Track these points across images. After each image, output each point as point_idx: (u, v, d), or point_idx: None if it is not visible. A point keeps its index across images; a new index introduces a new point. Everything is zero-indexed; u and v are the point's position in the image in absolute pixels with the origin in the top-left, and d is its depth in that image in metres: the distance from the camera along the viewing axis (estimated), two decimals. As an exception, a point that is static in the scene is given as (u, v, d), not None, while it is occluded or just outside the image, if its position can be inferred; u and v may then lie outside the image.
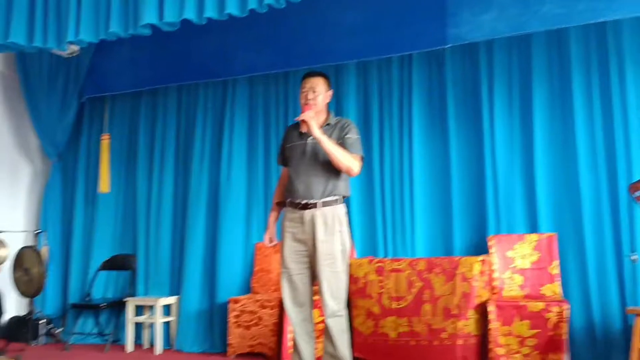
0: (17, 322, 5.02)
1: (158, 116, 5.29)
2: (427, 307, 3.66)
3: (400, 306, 3.73)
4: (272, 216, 3.38)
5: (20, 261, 4.80)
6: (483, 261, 3.69)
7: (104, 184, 5.28)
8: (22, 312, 5.19)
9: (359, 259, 4.07)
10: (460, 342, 3.57)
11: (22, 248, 4.90)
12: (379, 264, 3.84)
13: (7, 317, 4.73)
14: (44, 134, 5.47)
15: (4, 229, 4.89)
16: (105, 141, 5.35)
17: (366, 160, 4.37)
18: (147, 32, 2.94)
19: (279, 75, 4.86)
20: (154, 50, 5.05)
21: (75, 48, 4.99)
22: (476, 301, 3.60)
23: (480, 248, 4.09)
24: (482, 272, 3.66)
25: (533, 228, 4.05)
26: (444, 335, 3.60)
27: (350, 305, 3.80)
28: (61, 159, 5.56)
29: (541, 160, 4.08)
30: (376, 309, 3.78)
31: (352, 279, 3.79)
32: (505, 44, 4.25)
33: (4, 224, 5.02)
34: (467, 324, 3.57)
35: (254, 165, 4.90)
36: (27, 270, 4.76)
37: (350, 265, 3.62)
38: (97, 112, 5.57)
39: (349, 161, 3.08)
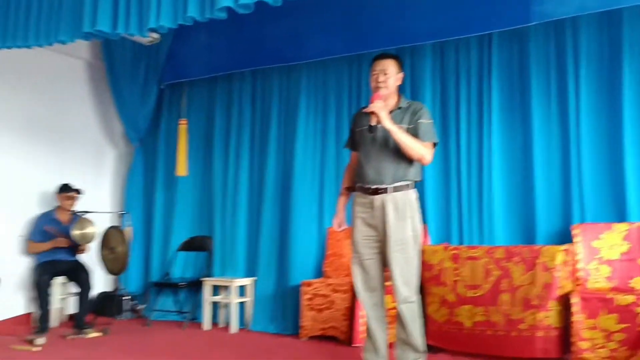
0: (104, 298, 5.33)
1: (233, 101, 5.39)
2: (504, 296, 3.54)
3: (477, 295, 3.63)
4: (341, 201, 3.37)
5: (106, 240, 5.07)
6: (566, 250, 3.51)
7: (182, 168, 5.46)
8: (109, 288, 5.50)
9: (433, 245, 3.98)
10: (540, 334, 3.42)
11: (108, 228, 5.17)
12: (455, 251, 3.74)
13: (95, 292, 5.01)
14: (127, 119, 5.72)
15: (92, 210, 5.18)
16: (183, 126, 5.52)
17: (442, 144, 4.28)
18: (223, 15, 2.98)
19: (353, 58, 4.81)
20: (229, 36, 5.14)
21: (155, 35, 5.18)
22: (558, 292, 3.43)
23: (563, 237, 3.88)
24: (565, 262, 3.48)
25: (620, 217, 3.80)
26: (522, 326, 3.46)
27: (423, 292, 3.74)
28: (143, 143, 5.80)
29: (630, 145, 3.80)
30: (451, 297, 3.70)
31: (426, 266, 3.72)
32: (594, 20, 3.98)
33: (91, 205, 5.31)
34: (548, 316, 3.41)
35: (326, 149, 4.89)
36: (112, 249, 5.01)
37: (423, 252, 3.56)
38: (175, 98, 5.76)
39: (421, 151, 3.02)
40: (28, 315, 4.95)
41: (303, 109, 4.98)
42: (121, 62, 5.64)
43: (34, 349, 3.92)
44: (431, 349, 3.58)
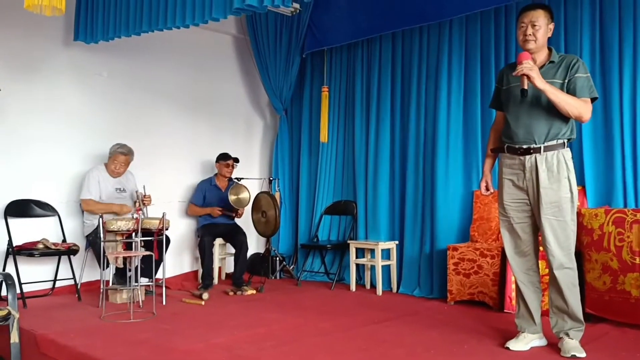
0: (258, 259, 5.71)
1: (373, 65, 5.38)
2: (679, 264, 3.19)
3: (645, 262, 3.31)
4: (488, 163, 3.24)
5: (258, 205, 5.40)
6: None
7: (325, 135, 5.61)
8: (261, 250, 5.88)
9: (593, 208, 3.69)
10: None
11: (259, 193, 5.50)
12: (619, 214, 3.43)
13: (249, 253, 5.39)
14: (272, 90, 5.97)
15: (244, 177, 5.53)
16: (325, 93, 5.64)
17: (602, 99, 3.91)
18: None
19: (499, 10, 4.53)
20: (368, 0, 5.10)
21: (296, 6, 5.31)
22: None
23: None
24: None
25: None
26: (701, 297, 3.11)
27: (581, 258, 3.51)
28: (287, 112, 6.03)
29: None
30: (614, 264, 3.42)
31: (586, 230, 3.48)
32: None
33: (244, 172, 5.68)
34: None
35: (471, 110, 4.71)
36: (264, 213, 5.33)
37: (582, 215, 3.32)
38: (317, 66, 5.90)
39: (580, 109, 2.80)
40: (192, 272, 5.48)
41: (445, 69, 4.82)
42: (265, 35, 5.87)
43: (202, 302, 4.33)
44: (590, 318, 3.37)
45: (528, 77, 2.79)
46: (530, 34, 2.88)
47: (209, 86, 5.77)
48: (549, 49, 2.96)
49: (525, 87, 2.81)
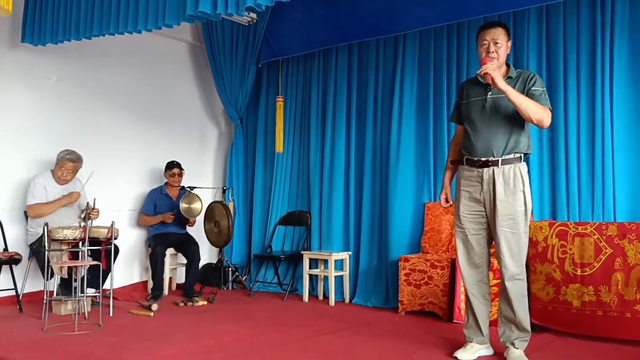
0: (210, 269, 5.62)
1: (330, 77, 5.41)
2: (618, 276, 3.33)
3: (586, 273, 3.44)
4: (447, 175, 3.30)
5: (211, 214, 5.33)
6: (690, 228, 3.23)
7: (280, 145, 5.60)
8: (214, 260, 5.80)
9: (538, 221, 3.81)
10: (658, 316, 3.19)
11: (212, 203, 5.43)
12: (562, 228, 3.55)
13: (201, 264, 5.30)
14: (228, 99, 5.93)
15: (197, 186, 5.46)
16: (280, 103, 5.64)
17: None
18: (319, -8, 2.99)
19: (452, 27, 4.65)
20: (324, 12, 5.16)
21: (253, 15, 5.30)
22: (680, 272, 3.18)
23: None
24: (688, 240, 3.21)
25: None
26: (638, 307, 3.24)
27: (527, 269, 3.60)
28: (242, 121, 5.99)
29: None
30: (557, 275, 3.53)
31: (531, 243, 3.56)
32: None
33: (197, 181, 5.60)
34: (668, 297, 3.17)
35: (424, 124, 4.80)
36: (217, 223, 5.27)
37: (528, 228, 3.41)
38: (273, 76, 5.89)
39: (541, 112, 2.87)
40: (142, 283, 5.35)
41: (400, 82, 4.90)
42: (221, 43, 5.83)
43: (150, 314, 4.23)
44: (535, 327, 3.46)
45: (492, 78, 2.85)
46: (493, 51, 2.96)
47: (162, 93, 5.68)
48: (507, 65, 3.05)
49: (489, 82, 2.89)
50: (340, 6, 4.97)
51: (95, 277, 4.09)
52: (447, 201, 3.26)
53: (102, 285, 4.20)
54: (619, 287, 3.32)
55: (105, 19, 3.87)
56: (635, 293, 3.27)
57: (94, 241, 4.11)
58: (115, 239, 4.23)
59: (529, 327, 3.00)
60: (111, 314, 4.14)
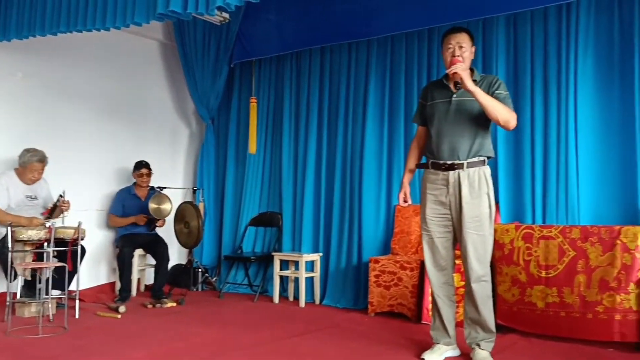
0: (180, 270, 5.57)
1: (303, 78, 5.42)
2: (580, 277, 3.42)
3: (550, 275, 3.52)
4: (407, 177, 3.33)
5: (181, 215, 5.28)
6: (649, 231, 3.33)
7: (252, 146, 5.58)
8: (183, 261, 5.75)
9: (505, 224, 3.89)
10: (618, 317, 3.29)
11: (182, 203, 5.38)
12: (527, 230, 3.63)
13: (170, 265, 5.25)
14: (199, 98, 5.88)
15: (167, 186, 5.40)
16: (253, 104, 5.62)
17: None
18: (291, -7, 2.99)
19: (422, 32, 4.71)
20: (298, 14, 5.16)
21: (225, 15, 5.27)
22: (639, 274, 3.27)
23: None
24: (647, 243, 3.31)
25: None
26: (599, 308, 3.33)
27: (494, 271, 3.67)
28: (214, 121, 5.96)
29: None
30: (523, 277, 3.61)
31: (497, 245, 3.65)
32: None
33: (166, 181, 5.54)
34: (627, 299, 3.27)
35: (395, 126, 4.84)
36: (187, 224, 5.22)
37: (495, 231, 3.48)
38: (245, 76, 5.87)
39: (507, 113, 2.92)
40: (109, 284, 5.27)
41: (372, 85, 4.94)
42: (193, 42, 5.78)
43: (118, 316, 4.17)
44: (501, 328, 3.52)
45: (461, 78, 2.90)
46: (458, 55, 3.01)
47: (132, 92, 5.61)
48: (472, 69, 3.10)
49: (457, 80, 2.96)
50: (314, 9, 4.98)
51: (61, 278, 4.01)
52: (405, 201, 3.29)
53: (68, 287, 4.12)
54: (581, 289, 3.41)
55: (73, 16, 3.79)
56: (596, 294, 3.36)
57: (59, 242, 4.03)
58: (82, 239, 4.16)
59: (494, 328, 3.06)
60: (77, 316, 4.07)
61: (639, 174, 3.77)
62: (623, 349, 3.29)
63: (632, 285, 3.27)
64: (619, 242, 3.33)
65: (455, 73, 2.92)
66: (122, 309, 4.29)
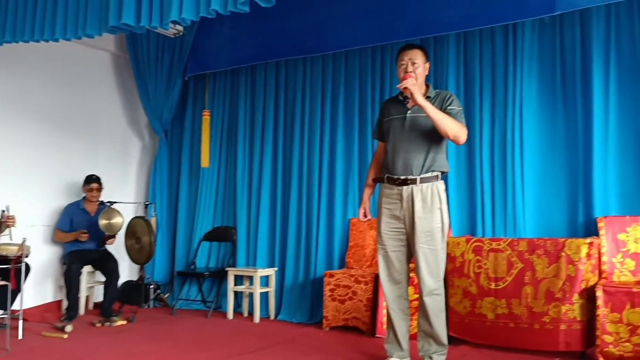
0: (130, 287, 5.42)
1: (258, 92, 5.41)
2: (527, 289, 3.52)
3: (499, 287, 3.61)
4: (367, 192, 3.38)
5: (132, 230, 5.16)
6: (590, 243, 3.47)
7: (205, 159, 5.52)
8: (134, 277, 5.60)
9: (456, 237, 3.97)
10: (563, 327, 3.40)
11: (134, 218, 5.26)
12: (477, 243, 3.72)
13: (121, 281, 5.11)
14: (152, 111, 5.79)
15: (118, 200, 5.27)
16: (206, 117, 5.58)
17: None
18: (245, 9, 2.99)
19: (376, 48, 4.79)
20: (253, 28, 5.16)
21: (179, 28, 5.22)
22: (582, 285, 3.40)
23: (588, 230, 3.83)
24: (589, 255, 3.45)
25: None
26: (545, 319, 3.44)
27: (446, 284, 3.73)
28: (167, 134, 5.87)
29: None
30: (473, 289, 3.69)
31: (449, 258, 3.71)
32: (624, 8, 3.88)
33: (117, 196, 5.41)
34: (572, 309, 3.39)
35: (349, 141, 4.90)
36: (138, 239, 5.10)
37: (447, 244, 3.54)
38: (200, 90, 5.82)
39: (457, 128, 2.99)
40: (56, 302, 5.08)
41: (328, 100, 5.00)
42: (146, 54, 5.70)
43: (64, 335, 4.02)
44: (453, 340, 3.58)
45: (411, 93, 2.96)
46: (411, 71, 3.07)
47: (83, 104, 5.46)
48: (427, 85, 3.17)
49: (407, 95, 3.03)
50: (269, 23, 5.00)
51: (3, 297, 3.84)
52: (365, 216, 3.33)
53: (11, 306, 3.95)
54: (529, 300, 3.51)
55: (20, 25, 3.68)
56: (543, 305, 3.46)
57: (2, 260, 3.87)
58: (27, 257, 4.00)
59: (446, 341, 3.11)
60: (20, 337, 3.91)
61: (581, 188, 3.95)
62: (569, 358, 3.39)
63: (576, 296, 3.40)
64: (563, 254, 3.45)
65: (405, 88, 2.99)
66: (68, 328, 4.14)
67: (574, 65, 4.06)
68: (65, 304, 4.83)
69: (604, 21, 3.95)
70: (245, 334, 4.23)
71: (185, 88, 5.82)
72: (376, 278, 4.10)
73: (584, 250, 3.42)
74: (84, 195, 5.12)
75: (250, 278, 4.93)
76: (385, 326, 3.69)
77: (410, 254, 3.15)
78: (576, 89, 4.04)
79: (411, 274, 3.26)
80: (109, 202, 5.13)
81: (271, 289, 4.93)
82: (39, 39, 3.66)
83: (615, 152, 3.88)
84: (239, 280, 5.04)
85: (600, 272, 3.60)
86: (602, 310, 3.29)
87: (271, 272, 4.96)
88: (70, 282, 4.66)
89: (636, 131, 3.84)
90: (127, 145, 5.94)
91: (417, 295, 3.22)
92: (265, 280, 4.97)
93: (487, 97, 4.33)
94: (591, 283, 3.45)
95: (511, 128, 4.18)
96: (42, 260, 4.97)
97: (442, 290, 3.10)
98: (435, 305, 3.05)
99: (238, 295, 5.11)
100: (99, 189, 5.09)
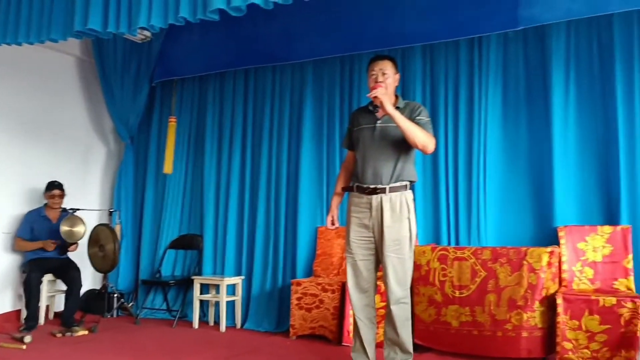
0: (93, 296, 5.31)
1: (226, 99, 5.39)
2: (491, 297, 3.59)
3: (463, 295, 3.67)
4: (335, 200, 3.39)
5: (95, 238, 5.06)
6: (551, 252, 3.57)
7: (169, 166, 5.45)
8: (97, 286, 5.49)
9: (422, 245, 4.03)
10: (525, 334, 3.48)
11: (97, 225, 5.16)
12: (443, 252, 3.78)
13: (83, 290, 5.00)
14: (118, 116, 5.70)
15: (81, 207, 5.16)
16: (172, 124, 5.52)
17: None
18: (215, 17, 2.99)
19: (345, 58, 4.84)
20: (222, 35, 5.15)
21: (147, 33, 5.18)
22: (543, 293, 3.50)
23: (549, 239, 3.93)
24: (550, 264, 3.54)
25: (607, 220, 3.86)
26: (508, 326, 3.51)
27: (412, 292, 3.77)
28: (133, 140, 5.79)
29: (622, 148, 3.83)
30: (438, 297, 3.74)
31: (415, 266, 3.74)
32: (583, 25, 4.03)
33: (80, 203, 5.29)
34: (533, 317, 3.47)
35: (317, 150, 4.92)
36: (102, 247, 5.01)
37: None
38: (167, 96, 5.76)
39: (426, 137, 3.03)
40: (15, 312, 4.93)
41: (296, 108, 5.01)
42: (112, 60, 5.62)
43: (23, 346, 3.91)
44: (418, 348, 3.62)
45: (381, 102, 2.99)
46: (381, 81, 3.11)
47: (45, 108, 5.34)
48: (397, 96, 3.22)
49: (377, 104, 3.06)
50: (238, 31, 5.00)
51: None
52: (333, 224, 3.34)
53: (-33, 317, 3.83)
54: (492, 308, 3.58)
55: (-19, 28, 3.60)
56: (505, 313, 3.54)
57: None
58: (-15, 265, 3.88)
59: (411, 349, 3.14)
60: (-24, 348, 3.79)
61: (543, 198, 4.06)
62: (530, 365, 3.47)
63: (537, 304, 3.48)
64: (525, 262, 3.54)
65: (375, 97, 3.03)
66: (27, 338, 4.03)
67: (537, 78, 4.18)
68: (24, 313, 4.69)
69: (564, 37, 4.09)
70: (212, 344, 4.19)
71: (152, 94, 5.75)
72: (343, 286, 4.12)
73: (545, 258, 3.51)
74: (45, 202, 5.00)
75: (217, 286, 4.89)
76: (351, 335, 3.71)
77: (378, 263, 3.18)
78: (538, 102, 4.16)
79: (378, 282, 3.28)
80: (71, 209, 5.02)
81: (238, 297, 4.90)
82: (1, 42, 3.58)
83: (575, 164, 4.01)
84: (205, 288, 4.99)
85: (561, 280, 3.71)
86: (562, 318, 3.39)
87: (238, 280, 4.93)
88: (30, 291, 4.53)
89: (595, 143, 3.97)
90: (91, 151, 5.83)
91: (383, 304, 3.25)
92: (232, 289, 4.93)
93: (452, 108, 4.41)
94: (552, 291, 3.54)
95: (477, 139, 4.27)
96: (1, 268, 4.83)
97: (409, 299, 3.13)
98: (402, 313, 3.08)
99: (204, 304, 5.05)
100: (61, 196, 4.98)
